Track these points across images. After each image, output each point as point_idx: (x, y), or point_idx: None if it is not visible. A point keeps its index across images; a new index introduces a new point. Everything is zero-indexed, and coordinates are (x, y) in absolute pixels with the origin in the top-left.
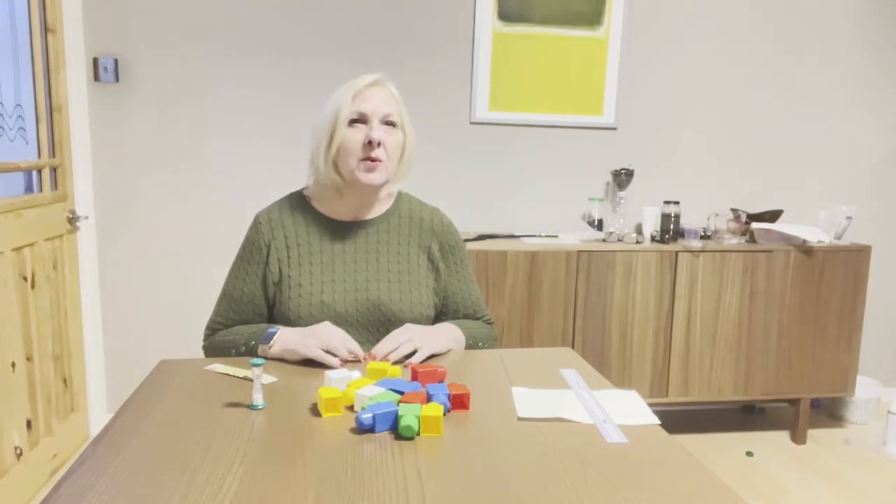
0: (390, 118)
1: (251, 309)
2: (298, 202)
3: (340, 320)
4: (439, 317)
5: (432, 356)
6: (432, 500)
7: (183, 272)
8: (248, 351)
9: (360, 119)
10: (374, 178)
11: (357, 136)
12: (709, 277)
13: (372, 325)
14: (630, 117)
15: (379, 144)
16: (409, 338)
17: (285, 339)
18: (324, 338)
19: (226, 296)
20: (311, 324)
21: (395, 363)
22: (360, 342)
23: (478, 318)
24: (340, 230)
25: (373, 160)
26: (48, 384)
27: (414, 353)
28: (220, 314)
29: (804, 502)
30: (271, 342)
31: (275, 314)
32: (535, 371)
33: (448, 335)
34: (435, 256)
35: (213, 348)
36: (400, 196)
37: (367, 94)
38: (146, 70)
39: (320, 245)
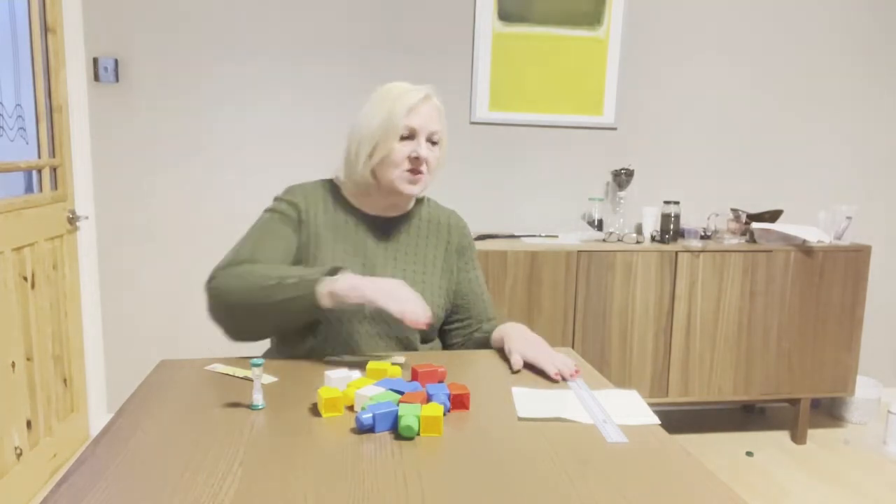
0: (435, 136)
1: (280, 258)
2: (331, 188)
3: (356, 310)
4: (449, 316)
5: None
6: (432, 500)
7: (183, 272)
8: (285, 288)
9: (410, 134)
10: (415, 189)
11: (404, 149)
12: (709, 277)
13: (383, 321)
14: (630, 117)
15: (424, 161)
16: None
17: (356, 281)
18: (406, 300)
19: (251, 239)
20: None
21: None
22: (370, 336)
23: (489, 320)
24: (367, 222)
25: (417, 174)
26: (48, 384)
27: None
28: (242, 253)
29: (804, 502)
30: (336, 278)
31: None
32: (535, 371)
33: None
34: (451, 257)
35: (234, 277)
36: (420, 198)
37: (420, 109)
38: (146, 70)
39: (346, 231)
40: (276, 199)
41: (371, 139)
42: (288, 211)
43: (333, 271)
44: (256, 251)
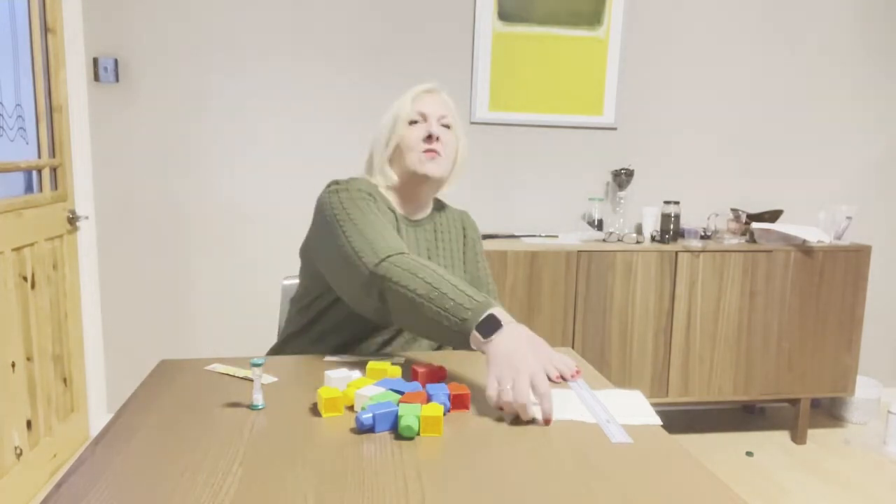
0: (446, 120)
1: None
2: (372, 185)
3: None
4: None
5: None
6: (432, 500)
7: (183, 272)
8: (440, 310)
9: (420, 119)
10: (435, 169)
11: (417, 132)
12: (709, 277)
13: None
14: (630, 117)
15: (437, 139)
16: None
17: (511, 346)
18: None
19: (376, 225)
20: None
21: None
22: (399, 336)
23: None
24: (401, 221)
25: (433, 152)
26: (48, 384)
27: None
28: (391, 243)
29: (804, 502)
30: (492, 336)
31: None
32: None
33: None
34: (468, 251)
35: (408, 270)
36: (437, 203)
37: (426, 98)
38: (146, 70)
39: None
40: (356, 189)
41: (386, 133)
42: (370, 198)
43: (491, 326)
44: (397, 238)
